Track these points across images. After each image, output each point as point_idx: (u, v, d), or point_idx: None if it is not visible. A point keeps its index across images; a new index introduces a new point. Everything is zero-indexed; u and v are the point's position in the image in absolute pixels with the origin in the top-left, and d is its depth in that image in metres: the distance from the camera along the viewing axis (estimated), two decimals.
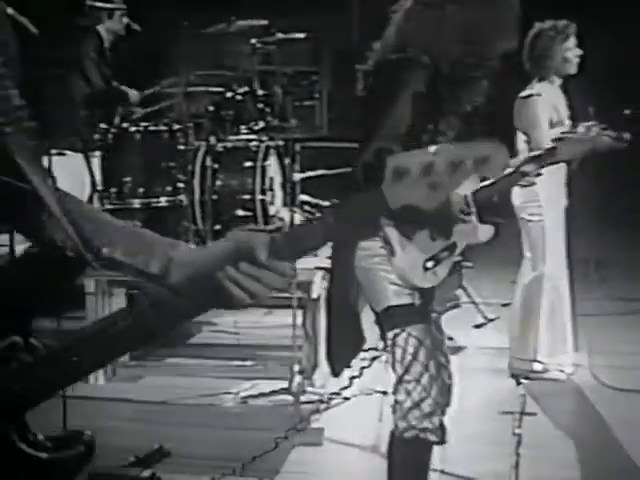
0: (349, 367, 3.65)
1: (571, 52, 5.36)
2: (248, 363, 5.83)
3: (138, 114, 6.39)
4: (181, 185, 6.01)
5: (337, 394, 5.13)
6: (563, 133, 3.72)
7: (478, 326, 6.85)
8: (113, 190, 5.95)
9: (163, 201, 5.97)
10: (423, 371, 3.24)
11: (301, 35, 6.81)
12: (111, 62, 6.76)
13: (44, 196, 1.79)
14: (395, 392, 3.31)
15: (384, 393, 4.70)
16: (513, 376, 5.56)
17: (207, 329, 6.74)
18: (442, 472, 4.26)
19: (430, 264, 3.31)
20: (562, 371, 5.63)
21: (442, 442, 3.37)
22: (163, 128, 5.99)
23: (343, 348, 3.43)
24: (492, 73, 3.28)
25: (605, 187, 8.25)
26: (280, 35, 6.57)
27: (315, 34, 8.06)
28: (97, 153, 6.11)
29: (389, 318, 3.30)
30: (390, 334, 3.30)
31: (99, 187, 6.03)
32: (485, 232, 3.43)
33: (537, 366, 5.59)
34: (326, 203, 6.68)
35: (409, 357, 3.25)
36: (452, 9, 3.14)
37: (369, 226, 3.02)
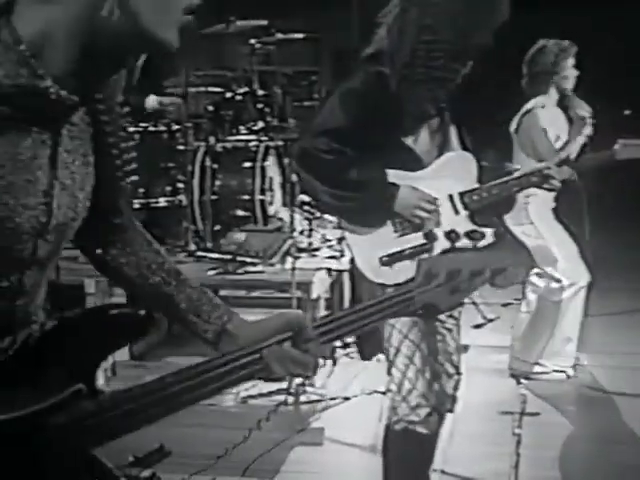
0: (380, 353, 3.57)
1: (570, 71, 5.44)
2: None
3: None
4: (180, 186, 6.02)
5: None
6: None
7: (477, 326, 6.82)
8: None
9: (162, 201, 5.98)
10: (408, 363, 3.25)
11: (300, 35, 6.82)
12: None
13: None
14: (388, 386, 3.34)
15: (384, 393, 4.73)
16: (513, 376, 5.58)
17: None
18: (442, 472, 4.28)
19: (386, 259, 3.27)
20: (563, 372, 5.63)
21: (434, 434, 3.37)
22: (162, 128, 6.00)
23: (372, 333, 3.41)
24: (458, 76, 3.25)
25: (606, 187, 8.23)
26: (279, 35, 6.57)
27: (315, 34, 8.05)
28: None
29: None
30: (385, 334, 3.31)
31: None
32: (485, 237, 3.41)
33: (537, 368, 5.61)
34: None
35: (393, 350, 3.28)
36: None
37: None
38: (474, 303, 7.17)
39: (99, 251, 2.00)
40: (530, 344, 5.67)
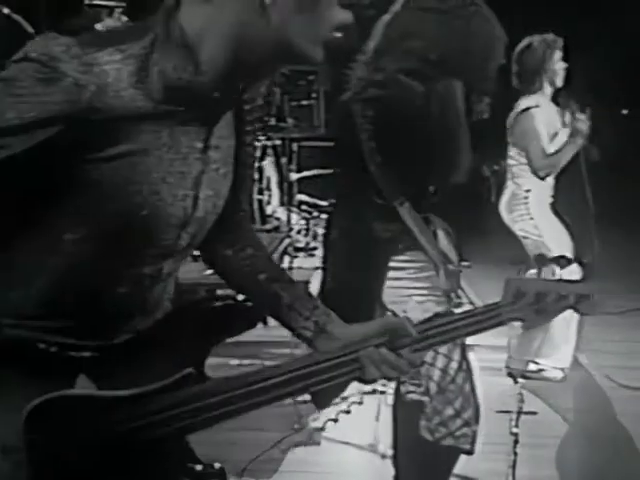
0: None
1: (559, 65, 5.42)
2: (246, 362, 5.80)
3: None
4: None
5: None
6: None
7: None
8: None
9: None
10: (465, 381, 3.33)
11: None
12: None
13: None
14: (432, 401, 3.31)
15: (382, 393, 4.74)
16: (510, 375, 5.58)
17: None
18: None
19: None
20: (560, 370, 5.64)
21: (471, 452, 3.43)
22: None
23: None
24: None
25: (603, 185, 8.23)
26: None
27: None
28: None
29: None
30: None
31: None
32: None
33: (532, 366, 5.60)
34: (324, 203, 6.69)
35: (456, 366, 3.29)
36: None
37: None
38: (471, 303, 7.24)
39: (229, 251, 2.11)
40: (526, 342, 5.66)
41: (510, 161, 5.53)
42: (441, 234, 3.21)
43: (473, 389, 3.33)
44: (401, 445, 3.44)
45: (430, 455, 3.37)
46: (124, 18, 6.74)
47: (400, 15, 3.20)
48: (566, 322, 5.53)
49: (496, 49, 3.17)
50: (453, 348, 3.26)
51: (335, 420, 4.79)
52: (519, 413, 5.02)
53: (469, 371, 3.32)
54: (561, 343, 5.62)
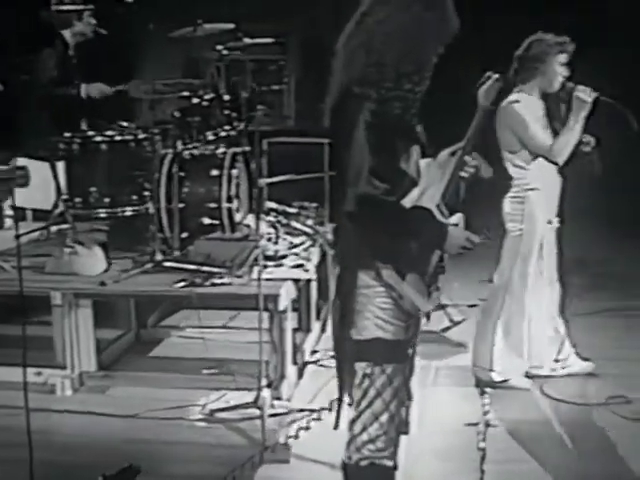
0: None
1: (561, 68, 5.33)
2: (215, 371, 5.81)
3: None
4: (147, 193, 5.99)
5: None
6: None
7: (444, 330, 6.88)
8: (78, 200, 5.94)
9: (129, 210, 5.96)
10: (384, 410, 3.27)
11: (269, 40, 6.79)
12: (77, 67, 6.69)
13: None
14: (352, 424, 3.33)
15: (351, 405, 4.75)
16: (477, 386, 5.61)
17: (174, 334, 6.73)
18: None
19: (433, 288, 3.33)
20: (529, 377, 5.63)
21: (396, 467, 3.41)
22: (129, 137, 5.97)
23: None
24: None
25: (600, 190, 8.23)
26: (247, 40, 6.54)
27: (283, 39, 8.02)
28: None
29: (366, 351, 3.28)
30: (363, 365, 3.29)
31: (64, 196, 6.02)
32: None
33: (496, 375, 5.56)
34: (293, 210, 6.69)
35: (374, 393, 3.27)
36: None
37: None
38: (442, 305, 7.26)
39: None
40: (480, 348, 5.65)
41: (506, 163, 5.47)
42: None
43: (393, 418, 3.31)
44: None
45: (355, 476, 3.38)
46: (93, 21, 6.70)
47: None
48: (507, 328, 5.54)
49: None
50: (379, 375, 3.26)
51: (296, 437, 4.81)
52: (487, 426, 5.09)
53: (396, 400, 3.30)
54: (518, 347, 5.58)
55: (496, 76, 3.66)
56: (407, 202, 3.22)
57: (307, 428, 4.91)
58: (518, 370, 5.63)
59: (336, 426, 3.43)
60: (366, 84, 3.13)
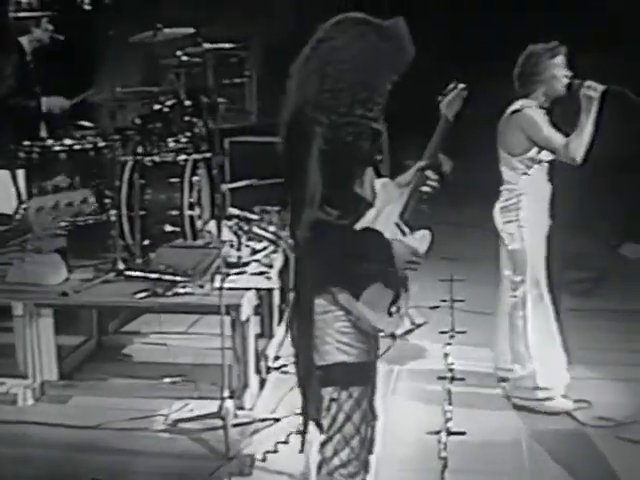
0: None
1: (559, 70, 5.32)
2: (178, 380, 5.81)
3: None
4: (108, 201, 5.97)
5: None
6: None
7: (406, 332, 6.89)
8: None
9: (90, 219, 5.94)
10: (354, 433, 3.28)
11: (229, 45, 6.78)
12: (35, 73, 6.65)
13: None
14: (322, 448, 3.33)
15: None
16: (515, 407, 5.50)
17: (137, 340, 6.72)
18: None
19: (394, 309, 3.33)
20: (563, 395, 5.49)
21: None
22: (88, 146, 5.95)
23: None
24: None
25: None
26: (207, 45, 6.51)
27: (243, 44, 7.99)
28: None
29: (331, 376, 3.28)
30: (330, 390, 3.29)
31: (24, 204, 5.98)
32: (423, 241, 3.44)
33: (540, 394, 5.42)
34: (254, 217, 6.70)
35: (343, 417, 3.28)
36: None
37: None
38: (417, 325, 7.25)
39: None
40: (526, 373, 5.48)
41: (503, 167, 5.46)
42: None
43: (364, 442, 3.33)
44: None
45: None
46: (50, 27, 6.66)
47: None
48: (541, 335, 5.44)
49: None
50: (347, 399, 3.28)
51: (275, 451, 4.82)
52: (449, 434, 5.14)
53: (365, 423, 3.32)
54: (552, 361, 5.45)
55: (462, 86, 3.70)
56: (363, 223, 3.24)
57: (286, 442, 4.88)
58: (561, 384, 5.48)
59: (301, 450, 3.47)
60: (319, 109, 3.14)
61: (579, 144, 5.14)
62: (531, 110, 5.31)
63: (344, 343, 3.25)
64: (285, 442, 4.82)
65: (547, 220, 5.50)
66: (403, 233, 3.37)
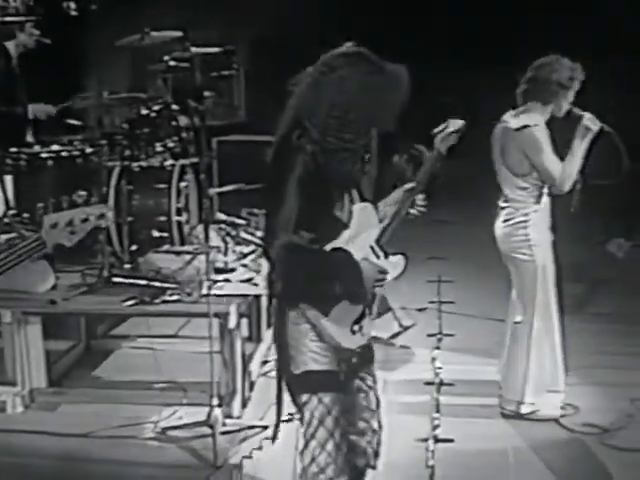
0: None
1: (571, 92, 5.22)
2: (166, 386, 5.81)
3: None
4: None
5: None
6: None
7: (394, 336, 6.91)
8: (26, 215, 5.91)
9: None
10: (328, 437, 3.38)
11: (216, 49, 6.78)
12: (21, 78, 6.63)
13: None
14: (302, 456, 3.44)
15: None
16: (504, 415, 5.49)
17: (125, 344, 6.72)
18: None
19: (357, 327, 3.44)
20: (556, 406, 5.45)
21: None
22: (76, 153, 5.95)
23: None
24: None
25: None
26: (194, 50, 6.50)
27: (231, 47, 7.99)
28: None
29: (303, 382, 3.42)
30: (303, 398, 3.43)
31: (12, 211, 5.99)
32: (397, 266, 3.57)
33: (525, 408, 5.41)
34: (241, 221, 6.70)
35: (316, 422, 3.38)
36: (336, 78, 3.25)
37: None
38: (390, 309, 7.31)
39: None
40: (511, 379, 5.45)
41: (505, 185, 5.33)
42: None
43: (339, 446, 3.40)
44: None
45: None
46: (36, 32, 6.64)
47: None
48: (540, 363, 5.37)
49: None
50: (317, 405, 3.37)
51: (249, 457, 4.86)
52: (436, 441, 5.16)
53: (339, 429, 3.40)
54: (545, 382, 5.41)
55: (460, 123, 3.75)
56: (337, 244, 3.34)
57: (260, 448, 4.93)
58: (553, 403, 5.44)
59: (274, 439, 3.64)
60: (323, 133, 3.24)
61: (569, 174, 5.11)
62: (538, 130, 5.16)
63: (315, 352, 3.39)
64: (259, 448, 4.91)
65: (550, 235, 5.39)
66: (377, 257, 3.46)
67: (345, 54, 3.29)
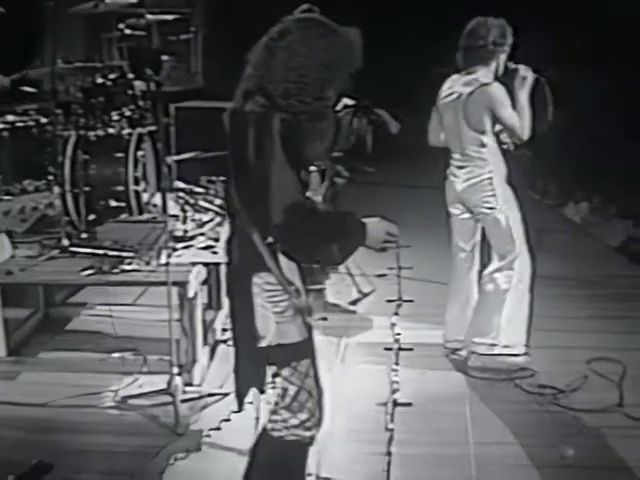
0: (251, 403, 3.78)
1: (503, 48, 5.46)
2: (127, 355, 5.83)
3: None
4: (52, 178, 5.92)
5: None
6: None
7: (353, 302, 6.98)
8: None
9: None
10: (308, 397, 3.46)
11: (171, 17, 6.73)
12: None
13: None
14: (275, 414, 3.50)
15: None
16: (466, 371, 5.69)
17: (84, 312, 6.72)
18: (318, 477, 4.39)
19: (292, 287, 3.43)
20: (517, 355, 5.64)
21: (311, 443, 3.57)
22: (31, 123, 5.89)
23: (248, 384, 3.54)
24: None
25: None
26: (150, 17, 6.46)
27: (187, 13, 7.93)
28: None
29: (274, 355, 3.43)
30: (274, 368, 3.47)
31: None
32: None
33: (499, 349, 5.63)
34: (199, 189, 6.69)
35: (294, 389, 3.44)
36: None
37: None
38: (350, 274, 7.36)
39: None
40: (483, 320, 5.67)
41: (467, 145, 5.54)
42: (283, 260, 3.34)
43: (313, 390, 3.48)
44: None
45: (273, 451, 3.54)
46: None
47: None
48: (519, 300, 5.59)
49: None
50: (292, 373, 3.43)
51: (218, 429, 4.88)
52: (395, 405, 5.22)
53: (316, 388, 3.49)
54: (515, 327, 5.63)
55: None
56: None
57: (228, 420, 4.94)
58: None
59: (239, 410, 3.61)
60: (284, 97, 3.27)
61: (525, 122, 5.37)
62: (497, 86, 5.40)
63: (279, 314, 3.38)
64: (227, 420, 4.91)
65: (510, 188, 5.61)
66: None
67: (297, 19, 3.32)
